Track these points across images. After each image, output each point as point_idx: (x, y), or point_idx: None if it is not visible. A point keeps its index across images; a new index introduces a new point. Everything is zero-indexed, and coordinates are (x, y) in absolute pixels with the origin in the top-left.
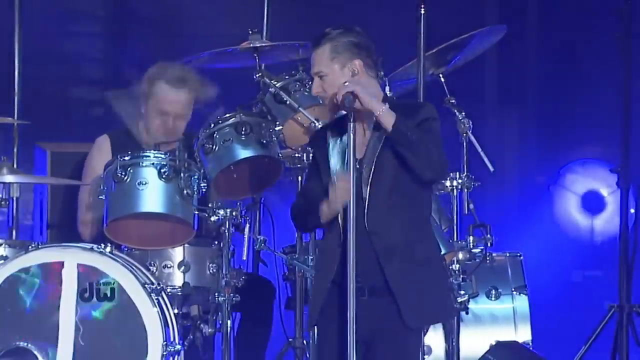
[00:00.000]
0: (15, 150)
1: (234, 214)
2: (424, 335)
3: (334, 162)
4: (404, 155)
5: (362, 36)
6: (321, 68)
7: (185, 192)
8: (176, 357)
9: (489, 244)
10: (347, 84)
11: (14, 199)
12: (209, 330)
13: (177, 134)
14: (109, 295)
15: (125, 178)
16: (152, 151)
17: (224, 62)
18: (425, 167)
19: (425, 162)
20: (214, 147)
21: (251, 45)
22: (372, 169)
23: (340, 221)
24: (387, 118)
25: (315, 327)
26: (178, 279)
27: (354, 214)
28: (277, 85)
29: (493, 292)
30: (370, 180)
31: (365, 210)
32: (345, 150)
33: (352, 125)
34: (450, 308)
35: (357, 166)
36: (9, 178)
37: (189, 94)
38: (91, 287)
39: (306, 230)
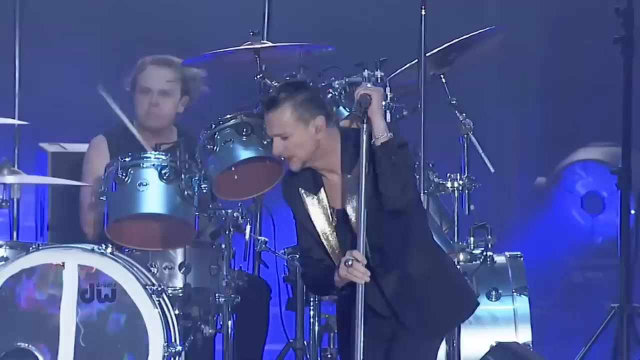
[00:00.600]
0: (16, 151)
1: (234, 215)
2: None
3: (316, 220)
4: (379, 176)
5: (312, 88)
6: (286, 129)
7: (186, 193)
8: (177, 358)
9: (489, 245)
10: (369, 85)
11: (15, 200)
12: (210, 331)
13: (163, 117)
14: (109, 296)
15: (126, 179)
16: (152, 152)
17: (224, 63)
18: (392, 197)
19: (393, 193)
20: (215, 147)
21: (252, 46)
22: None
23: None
24: (383, 134)
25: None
26: (179, 280)
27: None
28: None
29: (493, 293)
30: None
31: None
32: (324, 208)
33: (365, 127)
34: (468, 304)
35: (335, 217)
36: (10, 179)
37: (172, 73)
38: (92, 288)
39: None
